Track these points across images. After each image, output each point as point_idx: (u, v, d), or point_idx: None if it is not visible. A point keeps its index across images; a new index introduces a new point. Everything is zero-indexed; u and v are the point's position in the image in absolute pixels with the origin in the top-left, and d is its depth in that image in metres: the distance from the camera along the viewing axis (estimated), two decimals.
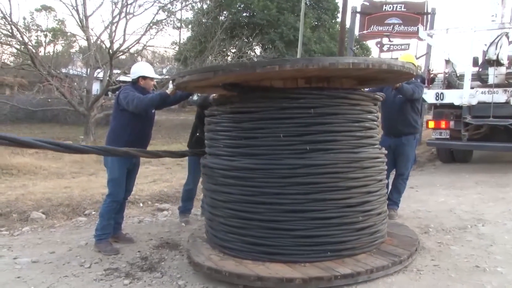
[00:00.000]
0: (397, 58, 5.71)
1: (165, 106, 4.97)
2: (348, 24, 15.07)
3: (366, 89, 4.70)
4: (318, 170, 3.50)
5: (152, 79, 4.62)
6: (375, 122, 3.99)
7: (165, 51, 26.82)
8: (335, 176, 3.55)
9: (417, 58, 12.11)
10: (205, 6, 23.34)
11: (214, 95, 4.71)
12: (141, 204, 6.39)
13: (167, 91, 4.31)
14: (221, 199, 3.76)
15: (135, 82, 4.55)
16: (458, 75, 9.30)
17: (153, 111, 4.61)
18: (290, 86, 3.67)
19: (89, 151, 3.92)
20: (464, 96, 8.25)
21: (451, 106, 8.57)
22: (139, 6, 16.84)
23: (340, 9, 17.57)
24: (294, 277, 3.22)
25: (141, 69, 4.61)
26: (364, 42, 23.39)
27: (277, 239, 3.51)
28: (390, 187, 5.42)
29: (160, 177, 8.66)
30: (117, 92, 4.63)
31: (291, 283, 3.20)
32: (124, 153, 3.95)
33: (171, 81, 4.24)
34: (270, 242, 3.52)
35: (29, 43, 16.56)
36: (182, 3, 22.14)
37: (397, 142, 5.26)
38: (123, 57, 20.15)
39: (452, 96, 8.53)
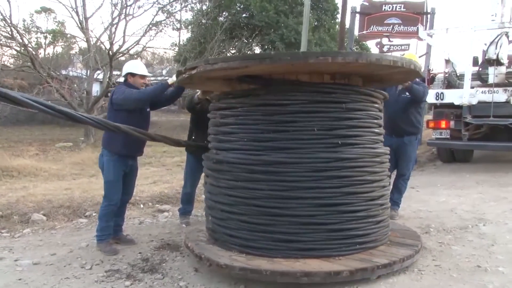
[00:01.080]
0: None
1: (161, 105, 4.93)
2: (347, 24, 15.07)
3: None
4: (349, 164, 3.58)
5: (142, 76, 4.47)
6: (382, 120, 4.15)
7: (165, 52, 26.87)
8: (363, 170, 3.65)
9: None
10: (204, 7, 23.36)
11: (199, 93, 4.71)
12: (141, 206, 6.39)
13: (168, 81, 4.20)
14: (245, 195, 3.59)
15: (125, 80, 4.47)
16: (458, 74, 9.32)
17: (147, 109, 4.54)
18: (315, 80, 3.65)
19: (84, 121, 3.65)
20: (464, 95, 8.25)
21: (451, 106, 8.58)
22: (139, 7, 16.83)
23: (340, 10, 17.57)
24: (340, 269, 3.24)
25: (129, 66, 4.53)
26: (364, 42, 23.38)
27: (310, 234, 3.49)
28: (391, 187, 5.43)
29: (160, 178, 8.65)
30: (109, 93, 4.53)
31: (338, 276, 3.22)
32: (114, 127, 3.78)
33: (176, 73, 4.13)
34: (303, 237, 3.49)
35: (29, 45, 16.53)
36: (181, 4, 22.16)
37: (399, 142, 5.26)
38: (123, 58, 20.13)
39: (452, 96, 8.54)
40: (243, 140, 3.69)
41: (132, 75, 4.45)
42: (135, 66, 4.53)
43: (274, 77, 3.64)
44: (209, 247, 3.80)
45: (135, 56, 18.17)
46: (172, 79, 4.16)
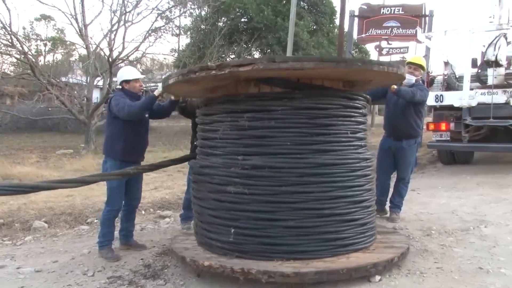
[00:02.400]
0: (404, 59, 5.83)
1: (158, 117, 4.97)
2: (346, 28, 15.11)
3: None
4: (368, 163, 3.89)
5: (136, 80, 4.53)
6: None
7: (164, 58, 26.99)
8: (372, 168, 4.02)
9: None
10: (203, 13, 23.44)
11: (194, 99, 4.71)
12: (143, 212, 6.39)
13: (155, 93, 4.25)
14: (292, 200, 3.51)
15: (122, 88, 4.56)
16: (457, 76, 9.34)
17: (146, 116, 4.56)
18: (335, 87, 3.81)
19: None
20: (464, 97, 8.27)
21: (451, 108, 8.59)
22: (138, 14, 16.83)
23: (338, 13, 17.64)
24: (392, 256, 3.59)
25: (122, 74, 4.60)
26: (363, 45, 23.46)
27: (349, 230, 3.66)
28: (392, 190, 5.44)
29: (162, 184, 8.65)
30: (108, 100, 4.58)
31: (393, 262, 3.57)
32: (31, 187, 3.40)
33: (160, 84, 4.21)
34: (344, 234, 3.63)
35: (29, 53, 16.58)
36: (180, 10, 22.25)
37: (397, 145, 5.25)
38: (123, 64, 20.22)
39: (451, 98, 8.55)
40: (285, 144, 3.58)
41: (127, 82, 4.51)
42: (127, 72, 4.60)
43: (302, 81, 3.65)
44: (240, 262, 3.48)
45: (135, 62, 18.23)
46: (159, 90, 4.20)
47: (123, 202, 4.51)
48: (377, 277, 3.44)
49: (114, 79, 16.53)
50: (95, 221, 5.84)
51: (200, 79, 3.54)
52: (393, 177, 5.53)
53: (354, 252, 3.64)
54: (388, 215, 5.37)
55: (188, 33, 25.44)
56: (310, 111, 3.61)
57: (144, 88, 4.68)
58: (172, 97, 4.72)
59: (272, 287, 3.34)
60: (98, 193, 7.33)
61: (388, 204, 5.45)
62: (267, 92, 3.66)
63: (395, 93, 4.79)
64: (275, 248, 3.51)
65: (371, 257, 3.56)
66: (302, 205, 3.51)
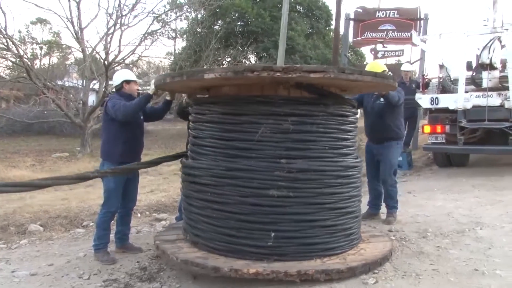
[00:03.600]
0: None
1: (154, 119, 5.03)
2: (342, 31, 15.15)
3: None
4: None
5: (135, 82, 4.58)
6: None
7: (160, 61, 26.94)
8: None
9: (411, 64, 12.23)
10: (199, 16, 23.45)
11: (185, 98, 4.73)
12: (138, 215, 6.38)
13: (149, 91, 4.29)
14: (330, 200, 3.77)
15: (119, 89, 4.53)
16: (452, 79, 9.35)
17: (141, 117, 4.59)
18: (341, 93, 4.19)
19: None
20: (459, 100, 8.28)
21: (446, 110, 8.60)
22: (134, 17, 16.75)
23: (334, 17, 17.69)
24: (391, 243, 4.21)
25: (122, 74, 4.64)
26: (358, 48, 23.50)
27: (357, 224, 4.09)
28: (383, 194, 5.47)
29: (158, 187, 8.65)
30: (104, 103, 4.58)
31: (392, 248, 4.08)
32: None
33: (152, 82, 4.29)
34: (355, 229, 4.05)
35: (25, 56, 16.47)
36: (176, 13, 22.26)
37: (378, 148, 5.33)
38: (119, 68, 20.20)
39: (447, 101, 8.56)
40: (324, 148, 3.82)
41: (128, 82, 4.53)
42: (129, 73, 4.65)
43: (325, 88, 3.87)
44: (284, 265, 3.49)
45: (131, 65, 18.19)
46: (152, 89, 4.26)
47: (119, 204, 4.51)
48: (373, 279, 3.45)
49: (110, 82, 16.50)
50: (91, 224, 5.82)
51: (253, 78, 3.44)
52: None
53: (360, 243, 4.09)
54: (385, 217, 5.38)
55: (184, 36, 25.45)
56: (339, 117, 3.95)
57: (141, 91, 4.72)
58: (168, 97, 4.72)
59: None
60: (94, 196, 7.31)
61: (383, 205, 5.49)
62: (302, 96, 3.77)
63: (383, 96, 4.98)
64: (313, 247, 3.72)
65: (377, 246, 4.05)
66: (336, 205, 3.82)
